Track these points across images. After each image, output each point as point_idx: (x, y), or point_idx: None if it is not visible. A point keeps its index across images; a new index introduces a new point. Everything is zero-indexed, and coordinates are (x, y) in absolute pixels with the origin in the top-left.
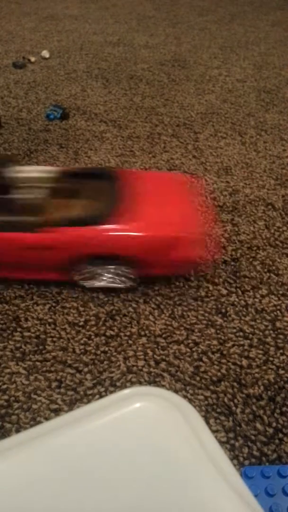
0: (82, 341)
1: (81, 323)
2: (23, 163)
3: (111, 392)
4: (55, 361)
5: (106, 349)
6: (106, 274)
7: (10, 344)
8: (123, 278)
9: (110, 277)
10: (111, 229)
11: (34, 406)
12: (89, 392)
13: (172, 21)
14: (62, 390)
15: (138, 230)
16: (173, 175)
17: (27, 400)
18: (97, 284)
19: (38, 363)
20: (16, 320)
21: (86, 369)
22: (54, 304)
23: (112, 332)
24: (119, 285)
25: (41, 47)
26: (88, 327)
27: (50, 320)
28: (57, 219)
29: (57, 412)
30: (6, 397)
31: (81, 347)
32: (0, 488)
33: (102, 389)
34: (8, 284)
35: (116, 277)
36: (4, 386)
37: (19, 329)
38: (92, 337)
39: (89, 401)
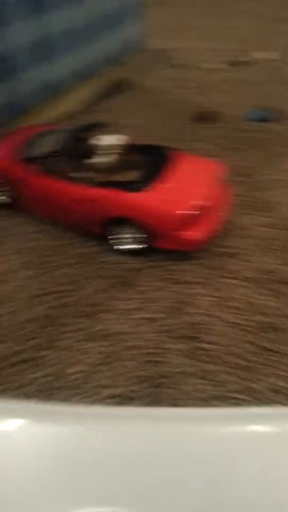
0: (240, 345)
1: (243, 326)
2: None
3: (255, 404)
4: (209, 354)
5: (262, 360)
6: (129, 238)
7: (175, 323)
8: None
9: (131, 240)
10: (133, 197)
11: (184, 388)
12: (233, 395)
13: None
14: (210, 382)
15: (154, 202)
16: (211, 163)
17: (179, 380)
18: (122, 247)
19: (194, 350)
20: (184, 303)
21: (237, 373)
22: (219, 299)
23: (270, 346)
24: (135, 247)
25: (262, 48)
26: (248, 332)
27: (214, 314)
28: (106, 181)
29: (202, 401)
30: (161, 369)
31: (238, 350)
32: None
33: (248, 398)
34: (184, 268)
35: (134, 241)
36: (162, 359)
37: (184, 312)
38: (252, 344)
39: (232, 405)
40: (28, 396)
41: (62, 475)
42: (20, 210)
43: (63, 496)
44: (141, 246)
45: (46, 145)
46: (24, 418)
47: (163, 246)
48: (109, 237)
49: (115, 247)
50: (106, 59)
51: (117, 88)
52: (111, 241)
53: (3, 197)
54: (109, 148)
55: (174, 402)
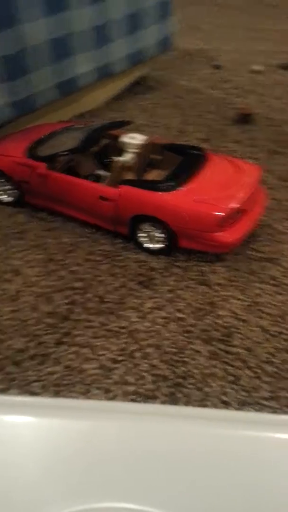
0: (268, 350)
1: (273, 332)
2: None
3: (286, 412)
4: (237, 357)
5: None
6: (153, 237)
7: (201, 324)
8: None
9: (155, 240)
10: (164, 197)
11: (207, 390)
12: (262, 402)
13: None
14: (236, 387)
15: (182, 202)
16: (248, 165)
17: (202, 381)
18: (145, 246)
19: (220, 352)
20: (212, 305)
21: (266, 379)
22: (252, 304)
23: None
24: (159, 246)
25: None
26: (279, 339)
27: (243, 318)
28: (133, 180)
29: (226, 405)
30: (184, 369)
31: (267, 356)
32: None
33: (277, 406)
34: (213, 270)
35: (158, 240)
36: (185, 359)
37: (212, 314)
38: (280, 350)
39: (259, 411)
40: (46, 389)
41: (70, 470)
42: (26, 207)
43: (70, 491)
44: (164, 245)
45: (67, 143)
46: (33, 413)
47: (189, 247)
48: (132, 235)
49: (137, 246)
50: (136, 57)
51: (148, 87)
52: (134, 240)
53: (4, 196)
54: (139, 146)
55: (194, 403)
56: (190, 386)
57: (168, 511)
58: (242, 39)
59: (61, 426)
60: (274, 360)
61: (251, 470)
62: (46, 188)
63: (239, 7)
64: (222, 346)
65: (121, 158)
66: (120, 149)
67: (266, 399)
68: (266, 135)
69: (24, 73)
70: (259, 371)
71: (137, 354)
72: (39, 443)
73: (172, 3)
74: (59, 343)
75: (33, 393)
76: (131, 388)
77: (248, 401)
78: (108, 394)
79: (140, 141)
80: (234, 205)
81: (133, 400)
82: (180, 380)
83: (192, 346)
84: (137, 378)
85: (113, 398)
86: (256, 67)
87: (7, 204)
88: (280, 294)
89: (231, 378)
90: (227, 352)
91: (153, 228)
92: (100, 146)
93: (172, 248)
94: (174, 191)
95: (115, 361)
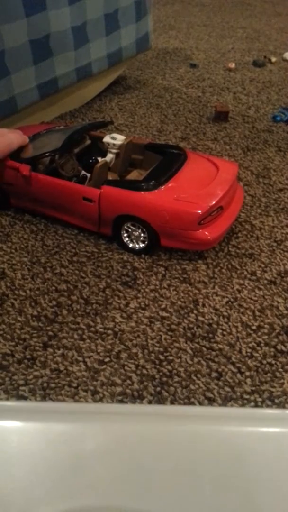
0: (250, 345)
1: (254, 327)
2: (112, 130)
3: (268, 406)
4: (220, 354)
5: (273, 362)
6: (136, 237)
7: (185, 322)
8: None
9: (137, 240)
10: (145, 196)
11: (192, 387)
12: (245, 396)
13: None
14: (220, 383)
15: (162, 201)
16: (226, 162)
17: (187, 379)
18: (128, 246)
19: (204, 349)
20: (194, 303)
21: (248, 373)
22: (232, 300)
23: (283, 348)
24: (141, 246)
25: (285, 48)
26: (260, 333)
27: (225, 314)
28: (115, 180)
29: (210, 401)
30: (169, 367)
31: (249, 350)
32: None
33: (259, 399)
34: (195, 268)
35: (140, 240)
36: (170, 358)
37: (195, 312)
38: (262, 344)
39: (243, 405)
40: (33, 393)
41: (57, 473)
42: (10, 210)
43: (59, 493)
44: (145, 245)
45: (50, 144)
46: (20, 417)
47: (170, 245)
48: (116, 236)
49: (121, 246)
50: (115, 57)
51: (128, 87)
52: (118, 241)
53: None
54: (120, 146)
55: (180, 402)
56: (176, 384)
57: (157, 510)
58: (216, 37)
59: (47, 429)
60: (255, 354)
61: (237, 466)
62: (30, 190)
63: (212, 5)
64: (205, 343)
65: (102, 159)
66: (103, 150)
67: (249, 393)
68: (242, 132)
69: (4, 74)
70: (241, 366)
71: (123, 355)
72: (26, 448)
73: (150, 2)
74: (45, 346)
75: (21, 397)
76: (118, 389)
77: (232, 396)
78: (95, 396)
79: (120, 141)
80: (213, 202)
81: (120, 401)
82: (165, 379)
83: (177, 345)
84: (124, 379)
85: (100, 400)
86: (233, 65)
87: None
88: (260, 289)
89: (215, 374)
90: (210, 348)
91: (135, 228)
92: (83, 147)
93: (154, 247)
94: (155, 191)
95: (100, 362)
